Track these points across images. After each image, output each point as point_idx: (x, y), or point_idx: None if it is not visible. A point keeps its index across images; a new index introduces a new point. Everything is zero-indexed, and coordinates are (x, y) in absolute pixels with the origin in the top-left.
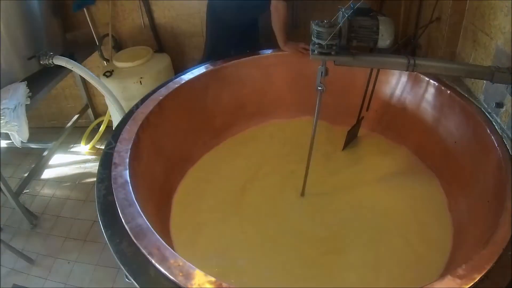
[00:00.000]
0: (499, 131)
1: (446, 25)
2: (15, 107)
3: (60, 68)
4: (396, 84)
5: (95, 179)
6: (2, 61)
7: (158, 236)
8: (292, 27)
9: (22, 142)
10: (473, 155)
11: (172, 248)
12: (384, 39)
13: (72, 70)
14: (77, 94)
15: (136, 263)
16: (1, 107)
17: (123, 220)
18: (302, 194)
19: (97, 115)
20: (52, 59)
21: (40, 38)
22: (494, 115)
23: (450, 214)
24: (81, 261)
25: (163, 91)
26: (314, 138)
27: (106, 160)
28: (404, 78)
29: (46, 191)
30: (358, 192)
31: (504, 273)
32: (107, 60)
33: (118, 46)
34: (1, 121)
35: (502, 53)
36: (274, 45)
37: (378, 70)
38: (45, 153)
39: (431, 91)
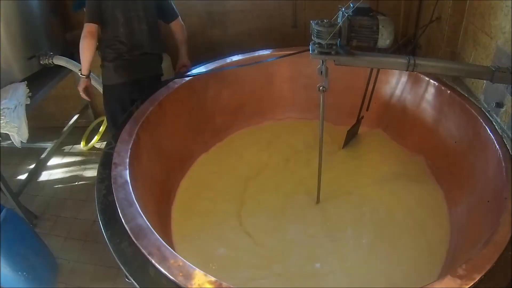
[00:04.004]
0: (499, 131)
1: (446, 25)
2: (15, 107)
3: (60, 68)
4: (396, 84)
5: (95, 179)
6: (2, 61)
7: (158, 236)
8: (292, 27)
9: (22, 142)
10: (473, 155)
11: (172, 248)
12: (384, 39)
13: (72, 70)
14: (77, 94)
15: (136, 263)
16: (1, 107)
17: (123, 220)
18: (318, 201)
19: (97, 115)
20: (52, 59)
21: (40, 38)
22: (494, 115)
23: (450, 214)
24: (81, 261)
25: (163, 91)
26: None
27: (106, 160)
28: (404, 78)
29: (46, 191)
30: (357, 192)
31: (504, 273)
32: None
33: None
34: (1, 121)
35: (502, 53)
36: (273, 45)
37: (378, 70)
38: (45, 153)
39: (431, 91)
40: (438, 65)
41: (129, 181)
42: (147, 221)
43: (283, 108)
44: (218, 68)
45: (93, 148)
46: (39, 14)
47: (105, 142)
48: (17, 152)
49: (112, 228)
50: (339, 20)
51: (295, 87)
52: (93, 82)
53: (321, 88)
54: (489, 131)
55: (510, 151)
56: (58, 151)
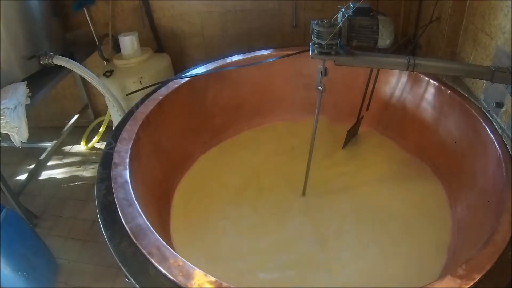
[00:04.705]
0: (499, 131)
1: (446, 25)
2: (15, 107)
3: (60, 68)
4: (396, 84)
5: (95, 179)
6: (2, 61)
7: (158, 236)
8: (292, 27)
9: (22, 142)
10: (473, 154)
11: (172, 248)
12: (384, 39)
13: (72, 70)
14: (77, 94)
15: (136, 263)
16: (1, 107)
17: (123, 220)
18: (303, 193)
19: (97, 115)
20: (52, 59)
21: (40, 38)
22: (494, 115)
23: (450, 214)
24: (81, 261)
25: (163, 91)
26: (315, 137)
27: (106, 160)
28: (404, 78)
29: (46, 191)
30: (358, 191)
31: (504, 273)
32: (107, 60)
33: (118, 46)
34: (1, 121)
35: (502, 53)
36: (273, 45)
37: (378, 70)
38: (45, 153)
39: (431, 91)
40: (438, 65)
41: (129, 181)
42: (147, 221)
43: (284, 108)
44: (218, 68)
45: (93, 148)
46: (39, 14)
47: (105, 142)
48: (17, 152)
49: (112, 228)
50: (339, 20)
51: (295, 87)
52: (93, 82)
53: (319, 88)
54: (489, 131)
55: (510, 151)
56: (58, 151)
